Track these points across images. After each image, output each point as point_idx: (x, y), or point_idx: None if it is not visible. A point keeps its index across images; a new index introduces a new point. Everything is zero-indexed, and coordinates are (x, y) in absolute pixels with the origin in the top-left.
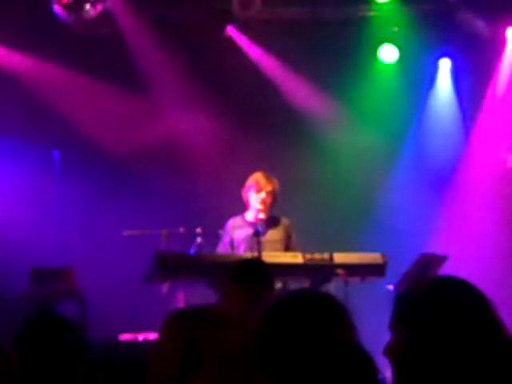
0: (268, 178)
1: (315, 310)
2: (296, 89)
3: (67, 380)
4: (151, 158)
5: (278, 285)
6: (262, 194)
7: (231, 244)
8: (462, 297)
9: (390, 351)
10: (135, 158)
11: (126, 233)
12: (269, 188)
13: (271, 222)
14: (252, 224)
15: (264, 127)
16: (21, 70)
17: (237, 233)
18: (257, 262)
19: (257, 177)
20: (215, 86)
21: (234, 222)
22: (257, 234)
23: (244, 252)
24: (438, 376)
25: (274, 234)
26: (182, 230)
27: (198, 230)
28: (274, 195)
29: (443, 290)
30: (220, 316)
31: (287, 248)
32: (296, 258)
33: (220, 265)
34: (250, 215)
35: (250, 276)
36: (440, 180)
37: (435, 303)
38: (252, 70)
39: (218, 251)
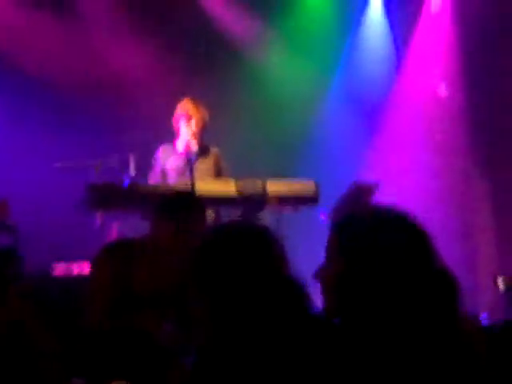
0: (197, 106)
1: (250, 242)
2: (227, 13)
3: None
4: (85, 87)
5: (211, 213)
6: (193, 122)
7: (162, 173)
8: (403, 228)
9: (324, 278)
10: (69, 88)
11: (58, 164)
12: (199, 115)
13: (202, 151)
14: (182, 153)
15: (193, 54)
16: None
17: (168, 162)
18: (186, 193)
19: (186, 105)
20: (148, 13)
21: (164, 150)
22: (189, 163)
23: (177, 181)
24: (375, 305)
25: (204, 163)
26: (115, 160)
27: (131, 157)
28: (203, 123)
29: (387, 220)
30: (153, 248)
31: (218, 174)
32: (229, 186)
33: (153, 195)
34: (180, 144)
35: (180, 207)
36: (372, 109)
37: (378, 233)
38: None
39: (149, 181)
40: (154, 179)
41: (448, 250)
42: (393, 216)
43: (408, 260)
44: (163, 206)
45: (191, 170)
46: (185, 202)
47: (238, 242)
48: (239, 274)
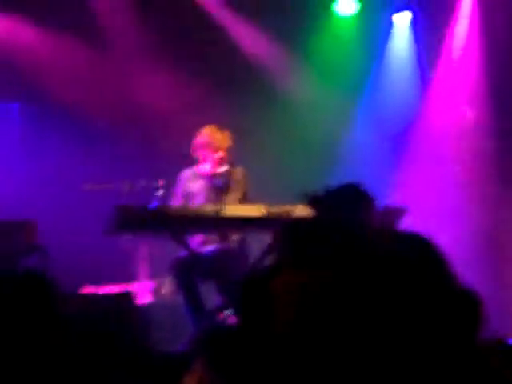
0: (222, 134)
1: None
2: (254, 41)
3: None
4: (113, 112)
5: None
6: (220, 153)
7: (185, 196)
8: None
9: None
10: (98, 113)
11: (87, 187)
12: (225, 145)
13: (228, 172)
14: (207, 176)
15: (223, 81)
16: None
17: (191, 185)
18: None
19: (211, 133)
20: (174, 40)
21: (186, 173)
22: (216, 187)
23: (203, 204)
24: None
25: (230, 186)
26: (143, 183)
27: (161, 182)
28: (227, 148)
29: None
30: None
31: (244, 197)
32: (260, 211)
33: (181, 217)
34: (205, 168)
35: None
36: (398, 131)
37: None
38: (210, 23)
39: (172, 203)
40: (176, 201)
41: (477, 267)
42: (409, 236)
43: (421, 278)
44: None
45: (218, 195)
46: None
47: None
48: None
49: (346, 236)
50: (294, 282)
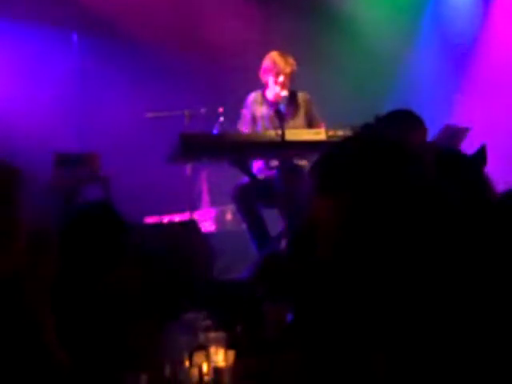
0: (285, 59)
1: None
2: None
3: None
4: (172, 39)
5: (303, 162)
6: (281, 78)
7: (252, 119)
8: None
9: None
10: (156, 40)
11: (149, 115)
12: (287, 70)
13: (291, 98)
14: (272, 102)
15: (287, 8)
16: None
17: (258, 109)
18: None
19: (274, 58)
20: None
21: (253, 97)
22: (279, 112)
23: (266, 129)
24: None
25: (294, 111)
26: (204, 110)
27: (220, 109)
28: (292, 76)
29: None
30: None
31: (310, 122)
32: (319, 134)
33: (243, 144)
34: (270, 93)
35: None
36: (462, 55)
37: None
38: None
39: (239, 127)
40: (244, 124)
41: None
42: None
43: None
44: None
45: (281, 121)
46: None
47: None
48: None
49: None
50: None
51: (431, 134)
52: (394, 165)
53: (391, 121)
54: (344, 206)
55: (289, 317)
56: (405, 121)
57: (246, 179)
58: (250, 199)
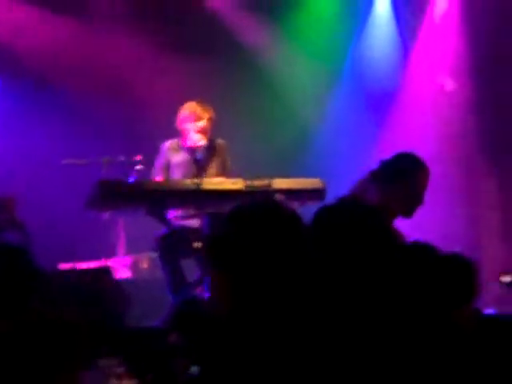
0: (204, 107)
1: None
2: (236, 18)
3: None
4: (92, 85)
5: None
6: (201, 123)
7: (166, 168)
8: None
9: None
10: (77, 87)
11: (64, 161)
12: (207, 115)
13: (209, 146)
14: (189, 149)
15: (203, 54)
16: None
17: (173, 157)
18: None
19: (192, 107)
20: (151, 8)
21: (170, 144)
22: (197, 160)
23: (183, 178)
24: None
25: (211, 159)
26: (122, 158)
27: (138, 157)
28: (211, 122)
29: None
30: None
31: (222, 169)
32: (236, 184)
33: (160, 192)
34: (188, 141)
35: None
36: (379, 104)
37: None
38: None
39: (153, 175)
40: (157, 174)
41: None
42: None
43: None
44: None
45: (199, 169)
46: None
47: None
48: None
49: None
50: None
51: (347, 185)
52: (278, 241)
53: (399, 162)
54: (233, 282)
55: (195, 369)
56: (413, 162)
57: (165, 228)
58: (172, 249)
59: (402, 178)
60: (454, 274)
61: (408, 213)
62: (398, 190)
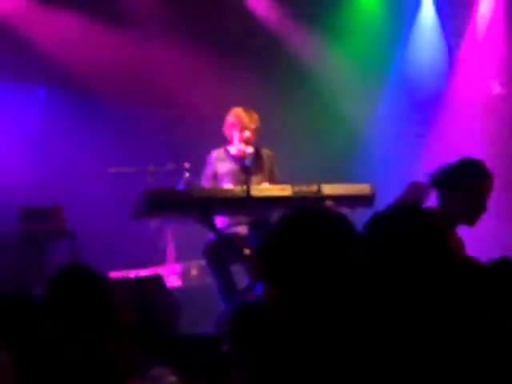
0: (250, 115)
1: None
2: (283, 26)
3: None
4: (136, 94)
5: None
6: (246, 133)
7: (214, 176)
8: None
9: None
10: (120, 95)
11: (111, 170)
12: (252, 126)
13: (256, 154)
14: (236, 157)
15: (250, 61)
16: (4, 10)
17: (220, 166)
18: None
19: (239, 113)
20: (198, 18)
21: (217, 154)
22: (245, 168)
23: (231, 185)
24: None
25: (259, 167)
26: (169, 166)
27: (186, 164)
28: (256, 133)
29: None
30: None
31: (270, 178)
32: (284, 190)
33: (209, 199)
34: (233, 148)
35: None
36: (426, 108)
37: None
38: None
39: (202, 184)
40: (206, 183)
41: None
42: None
43: None
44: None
45: (247, 177)
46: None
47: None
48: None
49: None
50: None
51: (397, 190)
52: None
53: (464, 168)
54: (286, 294)
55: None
56: (478, 168)
57: (213, 235)
58: (221, 255)
59: (468, 184)
60: None
61: (471, 221)
62: (462, 197)
